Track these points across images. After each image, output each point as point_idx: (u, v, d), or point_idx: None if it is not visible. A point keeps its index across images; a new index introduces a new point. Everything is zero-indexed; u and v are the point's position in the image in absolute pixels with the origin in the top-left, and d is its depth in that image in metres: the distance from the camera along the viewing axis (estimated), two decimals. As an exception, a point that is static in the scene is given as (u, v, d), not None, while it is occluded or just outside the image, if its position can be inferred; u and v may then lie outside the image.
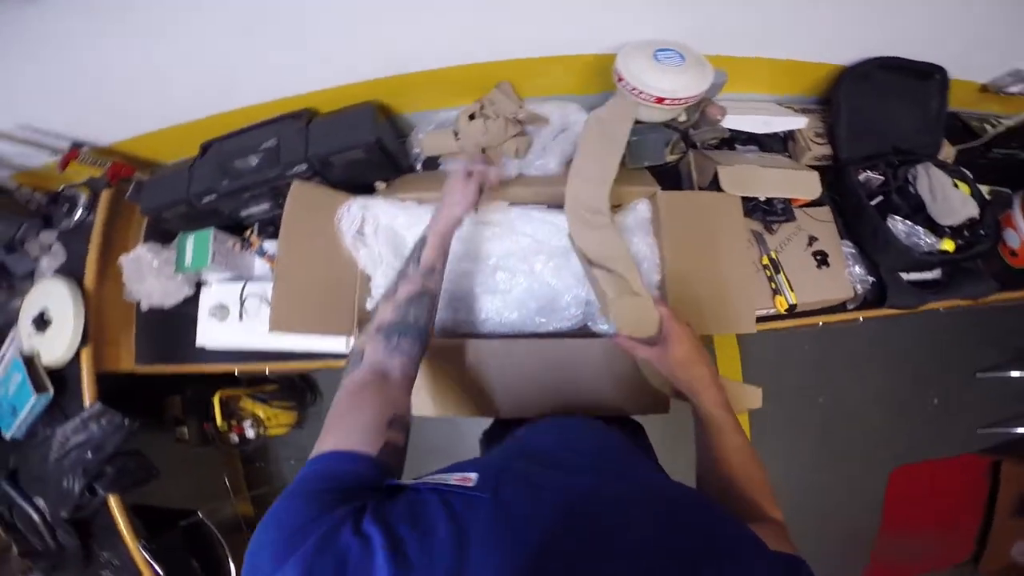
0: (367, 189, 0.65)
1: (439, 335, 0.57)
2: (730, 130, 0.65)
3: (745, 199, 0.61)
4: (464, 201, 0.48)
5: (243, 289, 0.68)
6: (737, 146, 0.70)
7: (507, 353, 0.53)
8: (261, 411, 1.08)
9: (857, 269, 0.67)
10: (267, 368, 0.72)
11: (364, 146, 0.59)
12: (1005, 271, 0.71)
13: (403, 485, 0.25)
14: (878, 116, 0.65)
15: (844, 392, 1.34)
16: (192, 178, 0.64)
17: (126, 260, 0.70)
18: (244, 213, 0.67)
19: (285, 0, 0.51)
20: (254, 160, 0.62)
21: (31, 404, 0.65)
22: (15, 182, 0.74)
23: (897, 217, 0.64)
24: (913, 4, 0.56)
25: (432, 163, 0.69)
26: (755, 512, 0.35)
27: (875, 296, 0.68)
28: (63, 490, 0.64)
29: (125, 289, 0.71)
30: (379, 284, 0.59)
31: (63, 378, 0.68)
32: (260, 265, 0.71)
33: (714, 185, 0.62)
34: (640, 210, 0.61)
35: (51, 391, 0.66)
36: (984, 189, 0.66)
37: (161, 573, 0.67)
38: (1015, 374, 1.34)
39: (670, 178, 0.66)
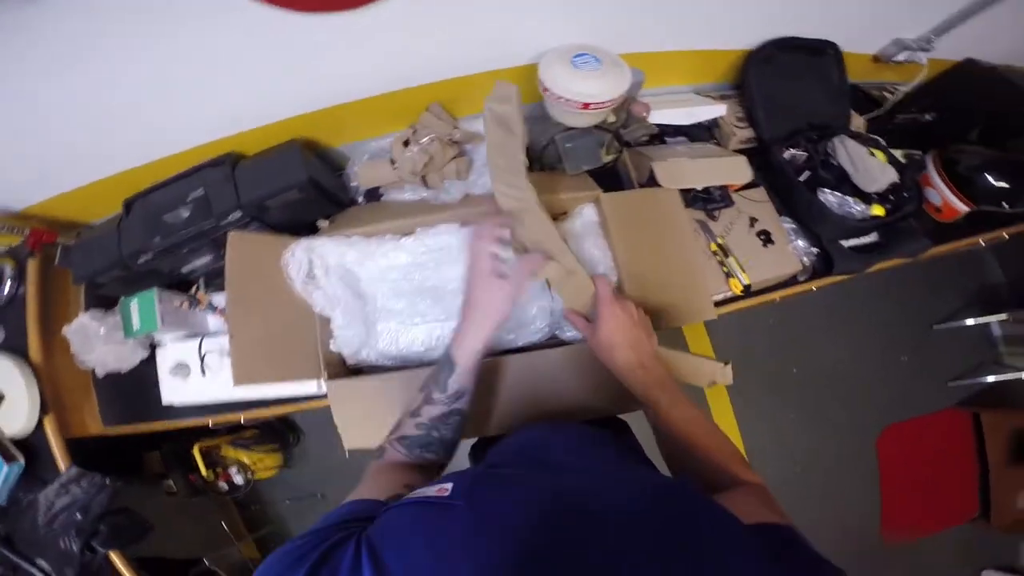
0: (311, 228, 0.64)
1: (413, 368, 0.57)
2: (657, 125, 0.66)
3: (684, 191, 0.63)
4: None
5: (200, 345, 0.67)
6: (667, 139, 0.71)
7: (484, 373, 0.53)
8: (245, 457, 1.08)
9: (800, 243, 0.71)
10: (242, 417, 0.72)
11: (297, 186, 0.58)
12: (935, 227, 0.75)
13: (390, 505, 0.26)
14: (789, 95, 0.68)
15: (815, 361, 1.37)
16: (122, 239, 0.61)
17: (70, 331, 0.67)
18: (185, 269, 0.65)
19: (194, 43, 0.48)
20: (184, 212, 0.59)
21: (4, 475, 0.63)
22: (-69, 262, 0.70)
23: (826, 190, 0.67)
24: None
25: (373, 194, 0.68)
26: (724, 480, 0.34)
27: (822, 266, 0.71)
28: (62, 551, 0.63)
29: (76, 359, 0.69)
30: (341, 323, 0.59)
31: (32, 446, 0.67)
32: (213, 321, 0.69)
33: (652, 181, 0.63)
34: (587, 214, 0.62)
35: (22, 460, 0.65)
36: (898, 153, 0.69)
37: (176, 622, 0.68)
38: (970, 321, 1.39)
39: (610, 179, 0.67)
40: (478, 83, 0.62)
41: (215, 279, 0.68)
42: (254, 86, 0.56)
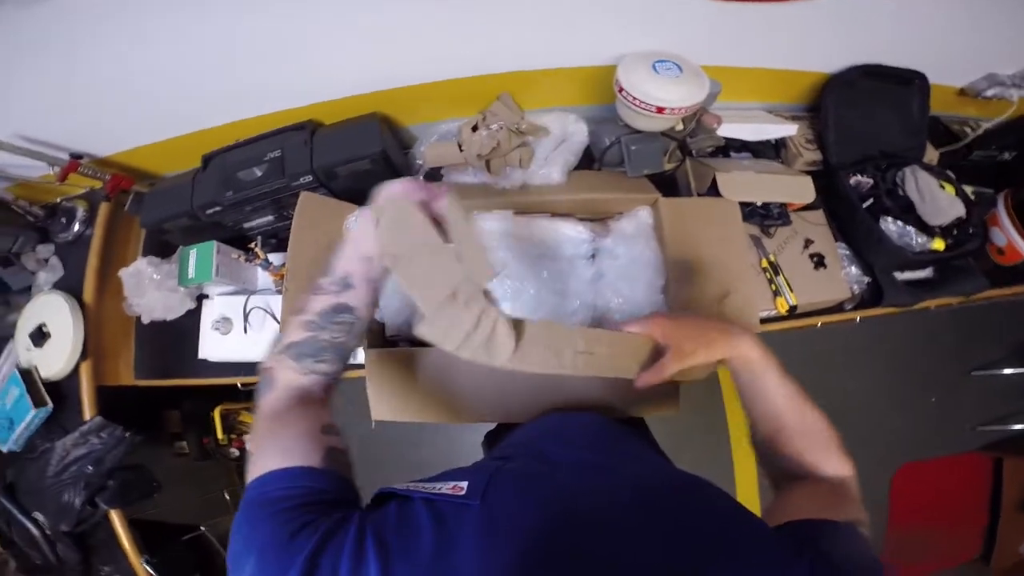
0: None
1: None
2: (725, 138, 0.67)
3: (742, 204, 0.63)
4: (394, 191, 0.34)
5: (247, 302, 0.68)
6: (732, 153, 0.72)
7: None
8: (262, 423, 1.07)
9: (853, 270, 0.69)
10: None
11: (370, 157, 0.60)
12: (994, 269, 0.73)
13: (395, 492, 0.25)
14: (864, 122, 0.68)
15: (844, 392, 1.35)
16: (195, 190, 0.64)
17: (126, 274, 0.69)
18: (247, 225, 0.67)
19: (287, 13, 0.51)
20: (258, 171, 0.62)
21: (29, 418, 0.64)
22: (11, 194, 0.73)
23: (888, 218, 0.66)
24: (893, 13, 0.59)
25: (435, 174, 0.70)
26: (802, 468, 0.32)
27: (871, 296, 0.70)
28: (63, 504, 0.63)
29: (126, 303, 0.70)
30: (389, 292, 0.59)
31: (61, 392, 0.68)
32: (263, 278, 0.71)
33: (712, 191, 0.63)
34: (642, 217, 0.62)
35: (50, 405, 0.65)
36: (968, 190, 0.68)
37: (164, 589, 0.66)
38: (1008, 371, 1.37)
39: (667, 187, 0.68)
40: (549, 78, 0.64)
41: (270, 239, 0.70)
42: (342, 58, 0.59)
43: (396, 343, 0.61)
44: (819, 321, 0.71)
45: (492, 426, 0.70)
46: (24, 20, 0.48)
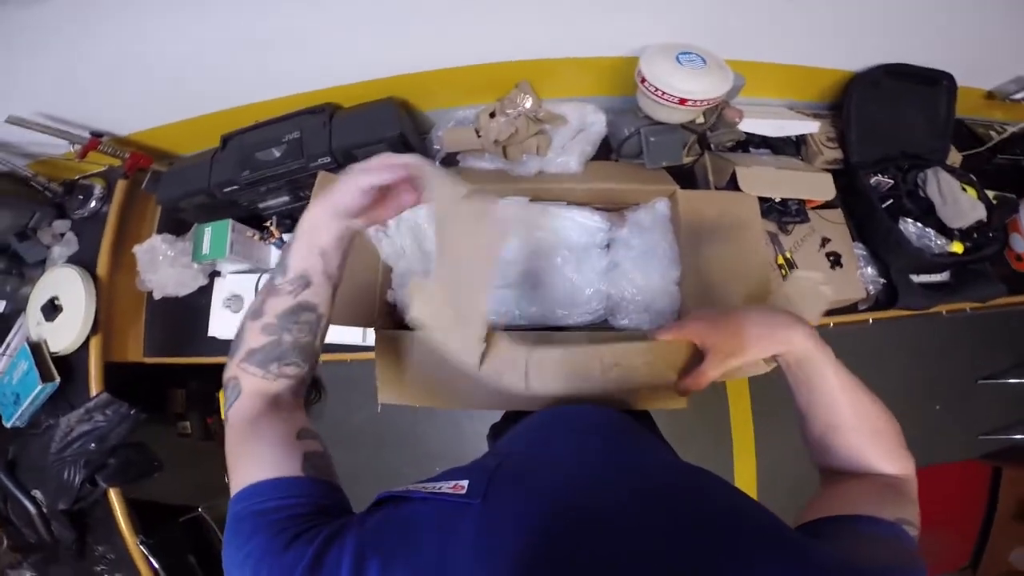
0: (387, 183, 0.65)
1: None
2: (745, 133, 0.66)
3: (761, 200, 0.62)
4: (344, 187, 0.31)
5: (259, 280, 0.68)
6: (751, 149, 0.71)
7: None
8: (266, 406, 1.06)
9: (869, 270, 0.68)
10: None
11: (389, 139, 0.60)
12: (1011, 276, 0.72)
13: (394, 496, 0.24)
14: (888, 121, 0.67)
15: None
16: (213, 169, 0.64)
17: (140, 250, 0.70)
18: (263, 205, 0.67)
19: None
20: (276, 152, 0.62)
21: (36, 393, 0.64)
22: (31, 171, 0.74)
23: (908, 220, 0.65)
24: (922, 12, 0.58)
25: (451, 160, 0.70)
26: (854, 463, 0.31)
27: (886, 297, 0.69)
28: (63, 481, 0.63)
29: (139, 278, 0.71)
30: (400, 274, 0.59)
31: (68, 367, 0.68)
32: (276, 257, 0.71)
33: (730, 185, 0.63)
34: (659, 208, 0.62)
35: (57, 380, 0.65)
36: (990, 194, 0.68)
37: (159, 568, 0.65)
38: (1014, 381, 1.36)
39: (685, 180, 0.67)
40: (569, 68, 0.64)
41: (285, 220, 0.70)
42: (361, 42, 0.59)
43: (407, 327, 0.60)
44: (831, 321, 0.70)
45: (498, 418, 0.69)
46: (47, 3, 0.48)
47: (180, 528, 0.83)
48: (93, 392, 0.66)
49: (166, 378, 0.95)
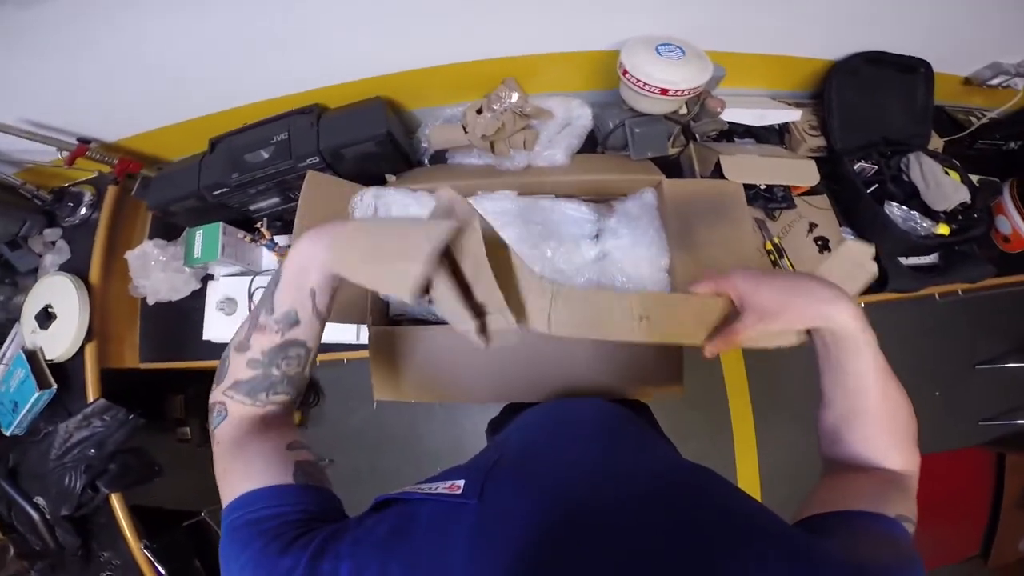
0: (377, 181, 0.66)
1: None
2: (728, 123, 0.67)
3: (746, 187, 0.63)
4: (338, 225, 0.31)
5: (251, 283, 0.68)
6: (735, 139, 0.72)
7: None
8: (264, 410, 1.06)
9: (856, 256, 0.69)
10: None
11: (376, 138, 0.60)
12: (1000, 257, 0.73)
13: (391, 499, 0.24)
14: (868, 109, 0.68)
15: None
16: (202, 172, 0.64)
17: (132, 255, 0.70)
18: (252, 207, 0.68)
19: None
20: (265, 154, 0.62)
21: (33, 400, 0.64)
22: (19, 179, 0.74)
23: (893, 203, 0.66)
24: (897, 1, 0.59)
25: (440, 157, 0.71)
26: (864, 456, 0.30)
27: (876, 282, 0.69)
28: (64, 487, 0.63)
29: (131, 284, 0.71)
30: None
31: (65, 374, 0.68)
32: (268, 259, 0.71)
33: (716, 175, 0.64)
34: (646, 198, 0.62)
35: (54, 387, 0.65)
36: (973, 178, 0.68)
37: (164, 573, 0.65)
38: (1013, 365, 1.36)
39: (671, 171, 0.68)
40: (553, 63, 0.65)
41: (276, 221, 0.71)
42: (348, 43, 0.59)
43: (399, 322, 0.61)
44: (823, 307, 0.70)
45: (496, 414, 0.70)
46: (35, 5, 0.49)
47: (184, 533, 0.83)
48: (90, 398, 0.66)
49: (164, 384, 0.95)
